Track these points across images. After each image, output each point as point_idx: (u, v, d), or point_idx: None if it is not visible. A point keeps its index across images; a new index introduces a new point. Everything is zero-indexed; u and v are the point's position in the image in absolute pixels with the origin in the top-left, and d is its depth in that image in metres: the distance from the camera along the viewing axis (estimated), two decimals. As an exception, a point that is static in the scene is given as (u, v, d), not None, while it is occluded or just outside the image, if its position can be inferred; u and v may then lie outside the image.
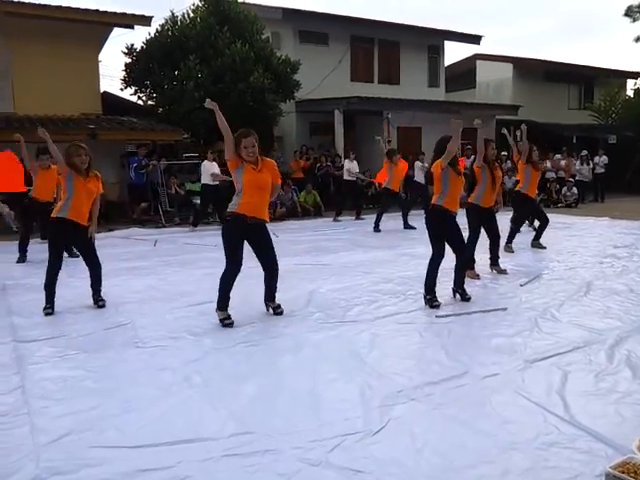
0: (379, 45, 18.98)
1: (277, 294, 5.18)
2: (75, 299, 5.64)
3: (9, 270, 7.37)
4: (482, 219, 6.54)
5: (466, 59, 24.16)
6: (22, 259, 8.03)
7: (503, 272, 6.71)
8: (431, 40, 19.98)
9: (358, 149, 16.22)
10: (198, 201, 12.91)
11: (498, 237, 6.70)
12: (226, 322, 4.81)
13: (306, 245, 9.20)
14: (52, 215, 5.36)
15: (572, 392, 3.39)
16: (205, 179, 11.47)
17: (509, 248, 8.08)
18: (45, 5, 12.70)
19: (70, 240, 5.67)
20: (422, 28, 19.34)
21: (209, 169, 11.38)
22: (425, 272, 5.39)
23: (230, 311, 4.89)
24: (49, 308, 5.31)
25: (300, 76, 15.81)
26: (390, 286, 6.16)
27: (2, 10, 12.44)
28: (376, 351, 4.17)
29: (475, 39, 21.17)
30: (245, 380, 3.66)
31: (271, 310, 5.15)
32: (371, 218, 12.61)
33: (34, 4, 12.58)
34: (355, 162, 12.95)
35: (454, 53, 35.66)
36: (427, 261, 5.43)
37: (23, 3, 12.48)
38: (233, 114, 13.25)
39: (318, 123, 17.40)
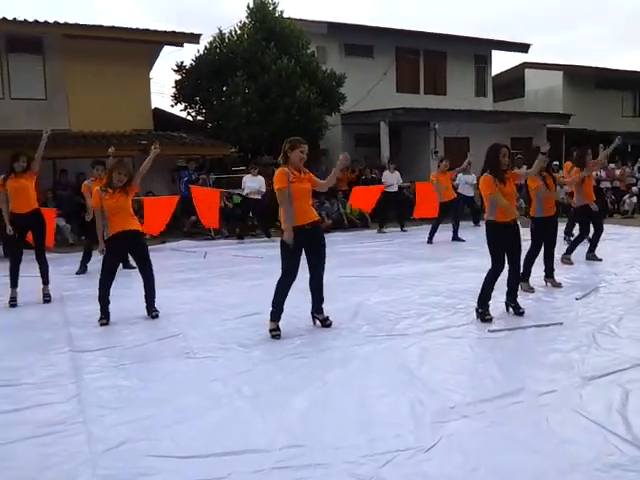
0: (425, 56, 18.92)
1: (324, 306, 5.18)
2: (130, 310, 5.78)
3: (66, 281, 7.62)
4: (545, 229, 6.40)
5: (514, 68, 23.79)
6: (82, 271, 8.30)
7: (558, 285, 6.51)
8: (478, 49, 19.78)
9: (404, 160, 16.17)
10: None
11: (553, 248, 6.52)
12: (274, 334, 4.84)
13: (352, 257, 9.18)
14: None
15: (634, 411, 3.24)
16: (246, 192, 11.70)
17: (568, 260, 7.82)
18: (100, 26, 13.21)
19: (128, 250, 5.80)
20: (469, 38, 19.18)
21: (249, 183, 11.64)
22: (477, 284, 5.28)
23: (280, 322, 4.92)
24: (104, 319, 5.47)
25: (345, 89, 15.90)
26: (439, 299, 6.06)
27: (60, 33, 13.02)
28: (426, 366, 4.10)
29: (523, 47, 20.84)
30: (295, 392, 3.66)
31: (319, 322, 5.15)
32: (416, 230, 12.54)
33: (90, 26, 13.10)
34: (396, 173, 12.90)
35: (502, 62, 35.43)
36: (477, 274, 5.34)
37: (80, 25, 13.01)
38: (280, 129, 13.49)
39: (364, 135, 17.42)
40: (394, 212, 13.08)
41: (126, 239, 5.51)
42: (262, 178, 11.77)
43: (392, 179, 12.75)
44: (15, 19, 12.47)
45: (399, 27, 17.91)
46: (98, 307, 5.53)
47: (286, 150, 4.79)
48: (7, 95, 13.07)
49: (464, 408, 3.36)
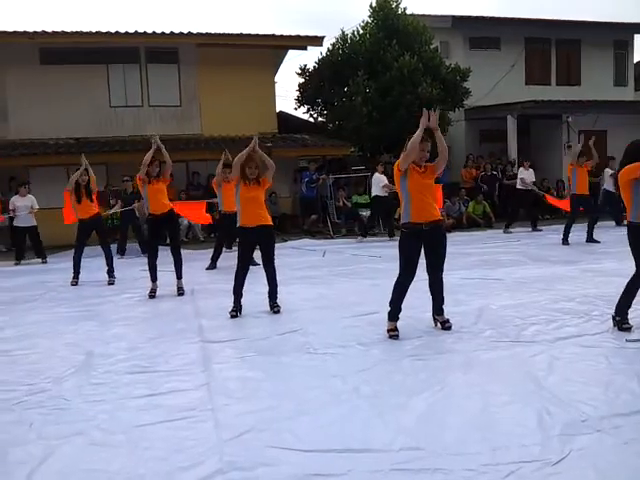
0: (557, 45, 17.84)
1: (444, 308, 5.05)
2: (255, 304, 6.02)
3: (197, 276, 8.12)
4: None
5: (660, 53, 21.69)
6: (212, 266, 8.80)
7: None
8: (617, 35, 18.28)
9: (534, 156, 15.35)
10: (364, 213, 13.18)
11: None
12: (392, 334, 4.80)
13: (475, 258, 8.88)
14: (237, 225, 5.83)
15: None
16: (376, 191, 11.61)
17: None
18: (229, 34, 13.92)
19: (257, 244, 5.94)
20: (606, 23, 17.79)
21: (380, 180, 11.51)
22: (613, 290, 4.86)
23: (398, 322, 4.88)
24: (235, 311, 5.75)
25: (470, 83, 15.45)
26: (571, 305, 5.67)
27: (194, 42, 13.89)
28: (555, 375, 3.85)
29: (672, 30, 18.94)
30: (414, 394, 3.61)
31: (439, 325, 5.04)
32: (548, 229, 11.86)
33: (220, 34, 13.85)
34: (531, 170, 12.27)
35: (645, 48, 32.31)
36: (614, 278, 4.94)
37: (211, 34, 13.80)
38: (401, 127, 13.37)
39: (489, 130, 16.80)
40: (526, 211, 12.45)
41: (256, 232, 5.72)
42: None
43: (529, 176, 12.17)
44: (154, 32, 13.50)
45: (528, 17, 17.07)
46: (226, 301, 5.84)
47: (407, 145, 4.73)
48: (145, 103, 14.17)
49: (597, 422, 3.12)
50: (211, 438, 3.12)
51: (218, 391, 3.79)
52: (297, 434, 3.12)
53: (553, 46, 17.87)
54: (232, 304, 5.79)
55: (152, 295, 6.87)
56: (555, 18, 17.26)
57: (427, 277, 4.97)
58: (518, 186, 12.19)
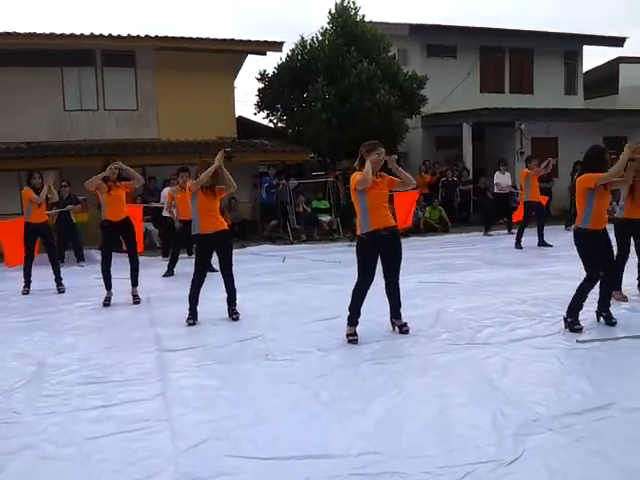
0: (510, 54, 18.29)
1: (402, 312, 5.11)
2: (212, 312, 5.96)
3: (154, 283, 7.97)
4: (632, 233, 5.96)
5: (607, 63, 22.46)
6: (169, 273, 8.67)
7: (654, 294, 6.09)
8: (568, 45, 18.88)
9: (487, 162, 15.71)
10: (324, 218, 13.26)
11: None
12: (351, 339, 4.83)
13: (431, 262, 9.00)
14: (192, 233, 5.78)
15: None
16: None
17: None
18: (187, 38, 13.77)
19: (214, 250, 5.90)
20: (558, 33, 18.36)
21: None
22: (565, 292, 5.01)
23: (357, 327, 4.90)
24: (192, 319, 5.68)
25: (427, 90, 15.68)
26: (524, 307, 5.82)
27: (151, 46, 13.69)
28: (509, 377, 3.94)
29: (618, 42, 19.70)
30: (372, 399, 3.63)
31: (397, 328, 5.09)
32: (500, 235, 12.13)
33: (178, 38, 13.68)
34: (507, 174, 12.64)
35: (594, 58, 33.49)
36: (565, 281, 5.09)
37: (169, 37, 13.62)
38: (359, 133, 13.48)
39: (445, 137, 17.08)
40: (501, 215, 12.73)
41: (213, 237, 5.70)
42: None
43: (505, 181, 12.43)
44: (110, 35, 13.25)
45: (483, 25, 17.46)
46: (184, 308, 5.76)
47: (363, 154, 4.79)
48: (101, 106, 13.87)
49: (549, 421, 3.20)
50: (167, 449, 3.06)
51: (174, 401, 3.73)
52: (256, 442, 3.10)
53: (507, 55, 18.31)
54: (188, 312, 5.72)
55: (106, 303, 6.71)
56: (509, 28, 17.72)
57: (384, 282, 5.02)
58: (495, 191, 12.55)
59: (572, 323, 4.92)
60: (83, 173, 11.02)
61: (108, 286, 6.77)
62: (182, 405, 3.66)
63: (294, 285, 7.59)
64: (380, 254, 4.87)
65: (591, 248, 4.93)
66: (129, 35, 13.40)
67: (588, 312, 5.15)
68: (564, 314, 5.02)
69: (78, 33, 12.96)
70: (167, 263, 8.81)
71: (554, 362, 4.23)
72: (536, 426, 3.16)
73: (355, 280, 4.92)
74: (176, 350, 4.85)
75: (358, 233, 4.87)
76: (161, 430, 3.30)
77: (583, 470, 2.71)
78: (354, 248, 5.02)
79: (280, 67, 15.71)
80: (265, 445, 3.06)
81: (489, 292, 6.60)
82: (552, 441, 3.00)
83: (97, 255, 10.23)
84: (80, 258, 10.21)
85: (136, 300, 6.82)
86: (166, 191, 10.79)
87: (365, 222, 4.79)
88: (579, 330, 4.86)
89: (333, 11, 15.79)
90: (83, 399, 3.80)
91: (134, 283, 6.89)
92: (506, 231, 12.27)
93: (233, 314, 5.78)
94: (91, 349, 4.96)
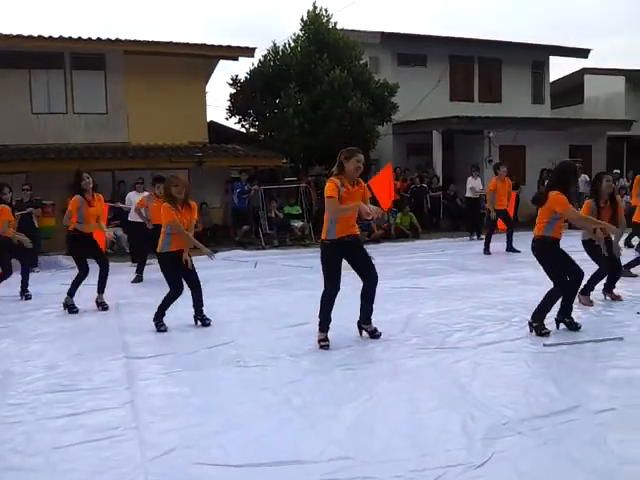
0: (479, 63, 18.62)
1: (373, 317, 5.13)
2: (182, 318, 5.88)
3: (122, 289, 7.86)
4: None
5: (573, 74, 23.06)
6: (138, 279, 8.56)
7: (617, 298, 6.24)
8: (535, 56, 19.31)
9: (457, 169, 15.94)
10: (296, 224, 13.26)
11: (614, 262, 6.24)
12: (322, 344, 4.84)
13: (403, 268, 9.08)
14: (158, 250, 5.68)
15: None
16: None
17: (629, 272, 7.45)
18: (158, 42, 13.65)
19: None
20: (525, 44, 18.76)
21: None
22: (532, 297, 5.11)
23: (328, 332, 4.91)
24: (162, 326, 5.61)
25: (398, 98, 15.85)
26: (493, 312, 5.91)
27: (121, 49, 13.54)
28: (478, 380, 4.00)
29: (583, 53, 20.21)
30: (343, 404, 3.64)
31: (366, 334, 5.11)
32: (471, 241, 12.32)
33: (149, 41, 13.55)
34: (479, 179, 12.82)
35: (560, 68, 34.29)
36: (532, 286, 5.19)
37: (139, 41, 13.49)
38: (331, 139, 13.55)
39: (416, 144, 17.28)
40: (470, 219, 12.90)
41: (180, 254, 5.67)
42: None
43: (477, 185, 12.63)
44: (80, 37, 13.06)
45: (453, 35, 17.76)
46: (153, 315, 5.67)
47: (342, 160, 4.78)
48: (70, 110, 13.66)
49: (517, 424, 3.25)
50: (135, 457, 3.02)
51: (143, 408, 3.68)
52: (226, 449, 3.07)
53: (476, 64, 18.64)
54: (156, 319, 5.65)
55: (74, 310, 6.57)
56: (478, 37, 18.05)
57: (360, 286, 5.01)
58: (468, 195, 12.73)
59: (539, 327, 5.01)
60: (50, 177, 10.94)
61: (73, 294, 6.62)
62: (151, 413, 3.60)
63: (266, 291, 7.57)
64: (348, 261, 4.89)
65: (555, 256, 5.04)
66: (99, 38, 13.24)
67: (554, 317, 5.26)
68: (529, 319, 5.12)
69: (47, 35, 12.77)
70: (135, 269, 8.68)
71: (522, 366, 4.30)
72: (505, 429, 3.21)
73: (327, 286, 4.92)
74: (144, 357, 4.78)
75: (323, 238, 4.87)
76: (130, 438, 3.24)
77: (551, 473, 2.76)
78: None
79: (252, 72, 15.69)
80: (235, 452, 3.03)
81: (459, 297, 6.68)
82: (521, 444, 3.05)
83: (64, 260, 10.08)
84: (33, 264, 9.77)
85: (104, 307, 6.69)
86: (131, 195, 10.65)
87: (332, 229, 4.80)
88: (547, 334, 4.96)
89: (305, 18, 15.85)
90: (50, 407, 3.72)
91: (101, 290, 6.74)
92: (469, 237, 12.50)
93: (205, 320, 5.72)
94: (58, 357, 4.86)
